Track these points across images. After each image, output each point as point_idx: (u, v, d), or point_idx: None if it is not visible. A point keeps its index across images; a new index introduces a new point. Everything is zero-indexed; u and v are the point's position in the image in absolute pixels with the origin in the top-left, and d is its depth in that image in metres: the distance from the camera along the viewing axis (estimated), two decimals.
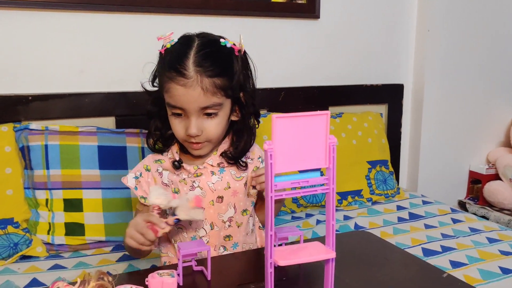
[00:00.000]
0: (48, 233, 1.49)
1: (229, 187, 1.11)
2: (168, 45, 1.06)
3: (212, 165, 1.12)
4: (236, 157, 1.13)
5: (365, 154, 2.04)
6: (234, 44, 1.08)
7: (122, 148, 1.60)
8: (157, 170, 1.15)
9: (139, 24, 1.72)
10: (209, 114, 1.05)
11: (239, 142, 1.13)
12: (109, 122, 1.69)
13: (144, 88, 1.16)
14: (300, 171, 0.68)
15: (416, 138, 2.32)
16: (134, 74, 1.72)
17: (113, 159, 1.58)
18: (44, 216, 1.50)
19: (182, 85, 1.00)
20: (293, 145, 0.66)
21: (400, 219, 1.81)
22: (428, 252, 1.51)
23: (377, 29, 2.18)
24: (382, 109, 2.24)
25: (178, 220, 0.95)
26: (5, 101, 1.55)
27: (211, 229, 1.12)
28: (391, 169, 2.10)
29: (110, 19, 1.68)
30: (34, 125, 1.54)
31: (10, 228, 1.43)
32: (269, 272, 0.68)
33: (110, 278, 0.80)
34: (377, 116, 2.16)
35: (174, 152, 1.14)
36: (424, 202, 1.98)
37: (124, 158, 1.60)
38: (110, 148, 1.59)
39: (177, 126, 1.06)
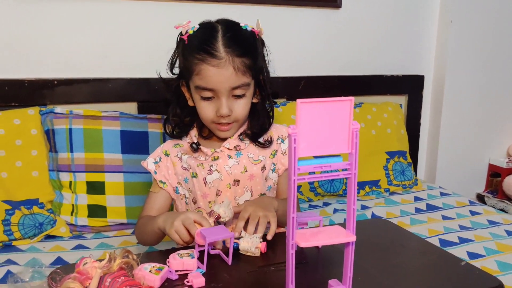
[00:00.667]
0: (72, 214, 1.53)
1: (246, 171, 1.14)
2: (191, 31, 1.09)
3: (229, 148, 1.15)
4: (256, 134, 1.15)
5: (384, 144, 2.04)
6: (253, 28, 1.12)
7: (144, 133, 1.63)
8: (177, 154, 1.18)
9: (162, 11, 1.74)
10: (238, 96, 1.08)
11: (257, 122, 1.15)
12: (131, 107, 1.72)
13: (160, 77, 1.18)
14: (315, 157, 0.69)
15: (435, 129, 2.31)
16: (156, 61, 1.74)
17: (135, 143, 1.61)
18: (68, 198, 1.54)
19: (215, 66, 1.03)
20: (316, 130, 0.67)
21: (418, 210, 1.81)
22: (445, 243, 1.51)
23: (399, 19, 2.17)
24: (402, 100, 2.23)
25: (237, 245, 0.91)
26: (32, 85, 1.59)
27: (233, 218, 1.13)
28: (409, 160, 2.10)
29: (134, 5, 1.70)
30: (59, 109, 1.58)
31: (35, 209, 1.48)
32: (291, 253, 0.70)
33: (135, 256, 0.83)
34: (397, 107, 2.15)
35: (192, 136, 1.17)
36: (442, 194, 1.97)
37: (146, 143, 1.63)
38: (132, 133, 1.62)
39: (206, 109, 1.08)
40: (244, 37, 1.09)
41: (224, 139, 1.16)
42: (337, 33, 2.06)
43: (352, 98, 0.68)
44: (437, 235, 1.57)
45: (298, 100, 0.65)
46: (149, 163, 1.19)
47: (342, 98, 0.68)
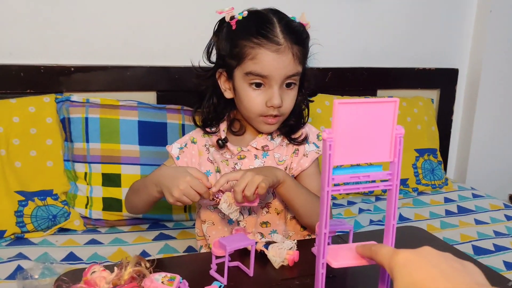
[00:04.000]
0: (86, 207, 1.48)
1: None
2: (240, 17, 1.02)
3: (256, 148, 1.08)
4: (291, 129, 1.09)
5: (413, 141, 1.93)
6: (300, 21, 1.08)
7: (162, 124, 1.56)
8: (205, 145, 1.12)
9: None
10: (288, 85, 1.03)
11: (293, 117, 1.09)
12: (150, 97, 1.65)
13: (198, 66, 1.11)
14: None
15: (468, 126, 2.19)
16: (178, 49, 1.68)
17: (153, 135, 1.55)
18: (83, 190, 1.49)
19: (274, 51, 0.98)
20: (355, 135, 0.59)
21: (448, 213, 1.71)
22: (479, 251, 1.41)
23: (432, 8, 2.04)
24: (434, 94, 2.12)
25: (266, 246, 0.86)
26: (49, 72, 1.53)
27: (249, 215, 1.07)
28: (439, 158, 1.99)
29: None
30: (76, 97, 1.52)
31: (49, 200, 1.43)
32: (321, 273, 0.62)
33: (148, 264, 0.76)
34: (428, 102, 2.04)
35: (221, 130, 1.10)
36: (474, 196, 1.86)
37: (164, 134, 1.56)
38: (150, 124, 1.55)
39: (256, 98, 1.01)
40: (298, 26, 1.04)
41: (252, 138, 1.09)
42: (367, 23, 1.95)
43: (397, 99, 0.59)
44: (470, 241, 1.48)
45: (336, 101, 0.56)
46: (174, 147, 1.13)
47: (386, 99, 0.59)
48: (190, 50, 1.59)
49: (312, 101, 1.16)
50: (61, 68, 1.54)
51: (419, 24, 2.04)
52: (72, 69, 1.54)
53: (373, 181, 0.63)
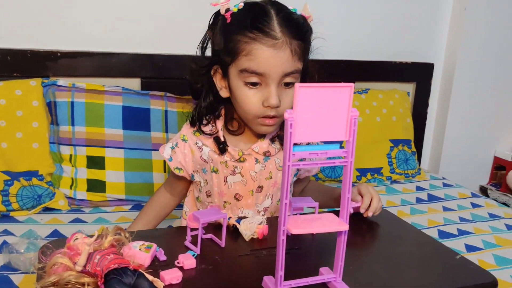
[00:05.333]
0: (71, 188, 1.53)
1: (271, 178, 1.06)
2: (235, 9, 0.96)
3: (257, 153, 1.04)
4: None
5: (388, 132, 2.02)
6: (302, 13, 1.02)
7: (146, 110, 1.62)
8: (196, 143, 1.06)
9: None
10: (287, 84, 0.96)
11: None
12: (134, 83, 1.70)
13: (194, 62, 1.04)
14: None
15: (442, 119, 2.28)
16: (162, 37, 1.73)
17: (136, 120, 1.60)
18: (68, 171, 1.54)
19: (271, 46, 0.91)
20: (314, 115, 0.66)
21: (419, 200, 1.80)
22: (444, 234, 1.50)
23: (410, 4, 2.12)
24: (410, 87, 2.20)
25: (239, 221, 0.92)
26: (35, 56, 1.57)
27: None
28: (413, 149, 2.08)
29: None
30: (62, 81, 1.57)
31: (34, 180, 1.48)
32: (281, 239, 0.68)
33: (127, 234, 0.83)
34: (404, 95, 2.12)
35: (219, 130, 1.04)
36: (445, 185, 1.96)
37: (148, 119, 1.61)
38: (134, 109, 1.60)
39: (252, 98, 0.95)
40: (298, 19, 0.97)
41: (253, 140, 1.05)
42: (345, 17, 2.02)
43: (352, 84, 0.66)
44: (436, 226, 1.56)
45: (297, 84, 0.63)
46: (166, 149, 1.09)
47: (342, 84, 0.66)
48: (174, 39, 1.65)
49: None
50: (48, 53, 1.58)
51: (397, 20, 2.11)
52: (59, 54, 1.59)
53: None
